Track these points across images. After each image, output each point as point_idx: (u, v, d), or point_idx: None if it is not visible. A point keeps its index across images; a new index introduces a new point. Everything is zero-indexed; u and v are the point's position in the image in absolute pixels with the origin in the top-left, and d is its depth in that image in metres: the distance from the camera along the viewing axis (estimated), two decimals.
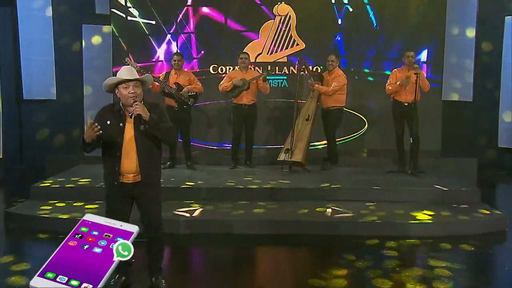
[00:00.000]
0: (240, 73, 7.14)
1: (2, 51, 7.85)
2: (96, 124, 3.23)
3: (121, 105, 3.43)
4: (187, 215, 5.22)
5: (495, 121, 8.42)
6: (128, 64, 6.77)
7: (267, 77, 7.28)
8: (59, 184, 6.08)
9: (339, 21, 8.64)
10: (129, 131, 3.39)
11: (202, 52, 8.71)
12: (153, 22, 8.66)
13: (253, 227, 5.06)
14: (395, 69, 6.90)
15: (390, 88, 6.75)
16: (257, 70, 8.19)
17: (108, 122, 3.40)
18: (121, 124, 3.39)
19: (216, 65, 8.67)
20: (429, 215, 5.30)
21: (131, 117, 3.38)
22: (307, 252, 4.72)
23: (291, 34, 8.71)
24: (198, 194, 5.87)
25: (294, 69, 8.56)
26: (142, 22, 8.67)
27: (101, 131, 3.24)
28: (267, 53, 8.75)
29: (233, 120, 7.26)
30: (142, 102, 3.39)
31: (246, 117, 7.12)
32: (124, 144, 3.37)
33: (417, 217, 5.24)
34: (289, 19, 8.70)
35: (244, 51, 7.82)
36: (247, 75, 7.10)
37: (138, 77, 3.39)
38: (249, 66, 7.43)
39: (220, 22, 8.72)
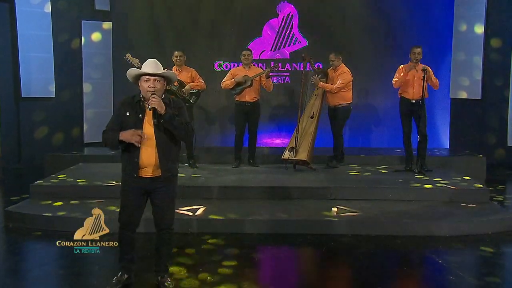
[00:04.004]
0: (243, 70, 6.98)
1: (0, 48, 7.73)
2: (146, 136, 3.32)
3: (141, 96, 3.44)
4: (190, 214, 5.11)
5: (504, 119, 8.27)
6: (129, 61, 6.64)
7: (269, 74, 7.10)
8: (58, 183, 5.99)
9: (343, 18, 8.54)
10: (148, 123, 3.38)
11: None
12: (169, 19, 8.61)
13: (256, 226, 4.95)
14: (402, 65, 6.75)
15: (396, 80, 6.58)
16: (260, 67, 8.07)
17: (128, 114, 3.40)
18: (140, 115, 3.39)
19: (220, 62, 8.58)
20: (437, 213, 5.17)
21: (150, 110, 3.38)
22: (313, 252, 4.58)
23: (293, 32, 8.59)
24: (201, 193, 5.76)
25: (298, 65, 8.44)
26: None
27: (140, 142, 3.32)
28: (270, 50, 8.64)
29: (236, 118, 7.11)
30: (163, 97, 3.40)
31: (249, 115, 6.96)
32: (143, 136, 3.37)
33: (424, 216, 5.12)
34: (292, 17, 8.58)
35: (247, 47, 7.69)
36: (250, 72, 6.94)
37: (161, 72, 3.40)
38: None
39: (223, 18, 8.61)
